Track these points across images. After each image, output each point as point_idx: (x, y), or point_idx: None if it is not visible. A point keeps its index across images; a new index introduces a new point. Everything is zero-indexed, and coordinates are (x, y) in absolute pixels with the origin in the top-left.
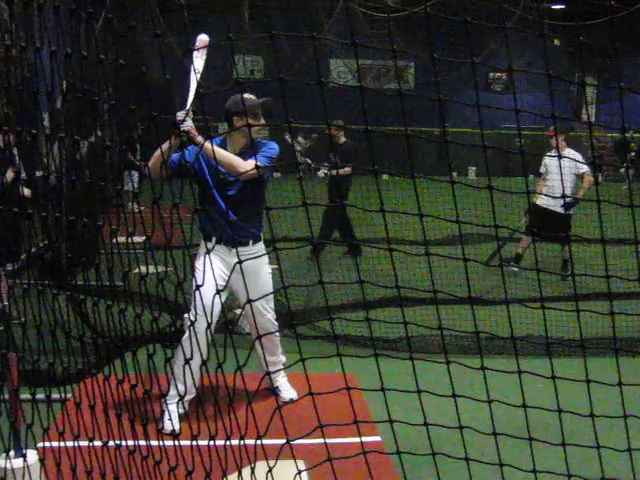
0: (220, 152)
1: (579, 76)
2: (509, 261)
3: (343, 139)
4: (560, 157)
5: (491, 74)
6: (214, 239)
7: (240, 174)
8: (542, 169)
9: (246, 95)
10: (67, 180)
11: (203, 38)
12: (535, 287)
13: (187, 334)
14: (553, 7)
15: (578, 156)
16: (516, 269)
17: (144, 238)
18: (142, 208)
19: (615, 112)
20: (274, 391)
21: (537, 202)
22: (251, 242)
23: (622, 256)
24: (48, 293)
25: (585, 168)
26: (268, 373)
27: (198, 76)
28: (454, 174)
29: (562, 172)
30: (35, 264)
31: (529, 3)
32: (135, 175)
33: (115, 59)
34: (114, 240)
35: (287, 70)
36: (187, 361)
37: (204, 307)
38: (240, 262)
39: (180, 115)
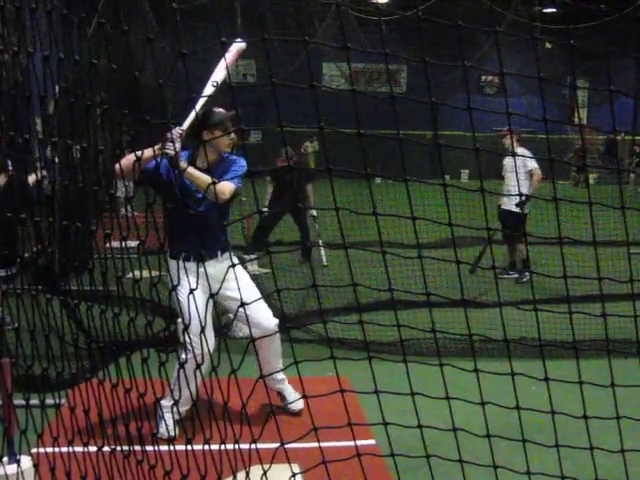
0: (203, 177)
1: (571, 79)
2: (506, 270)
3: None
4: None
5: (483, 77)
6: (183, 255)
7: (220, 200)
8: (503, 172)
9: (215, 109)
10: (60, 184)
11: (241, 46)
12: (528, 289)
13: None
14: (545, 10)
15: (528, 154)
16: (516, 276)
17: (137, 243)
18: (135, 213)
19: (606, 114)
20: (282, 399)
21: (500, 205)
22: (219, 253)
23: (613, 258)
24: (41, 298)
25: (534, 165)
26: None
27: (212, 91)
28: (447, 177)
29: (516, 171)
30: (29, 269)
31: (520, 6)
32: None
33: (108, 63)
34: (107, 245)
35: (280, 74)
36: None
37: (197, 317)
38: (233, 265)
39: (174, 134)
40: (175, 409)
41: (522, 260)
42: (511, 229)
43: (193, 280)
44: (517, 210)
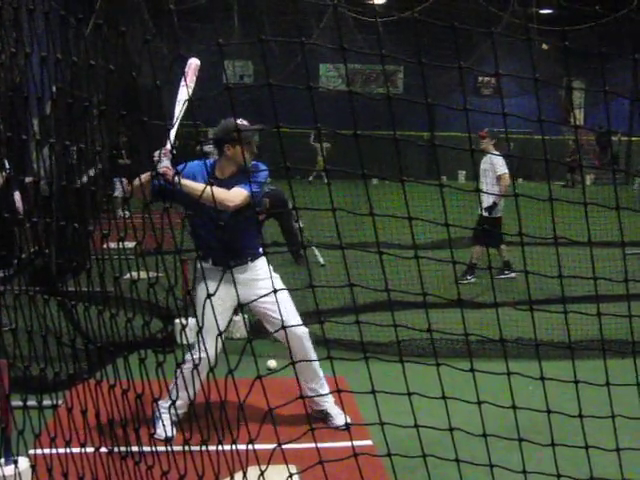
0: (197, 187)
1: (567, 80)
2: (502, 270)
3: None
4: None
5: (480, 78)
6: (210, 261)
7: (230, 208)
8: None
9: (239, 121)
10: (58, 185)
11: (195, 62)
12: (525, 290)
13: (187, 366)
14: (541, 12)
15: (499, 159)
16: (513, 275)
17: (135, 244)
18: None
19: (603, 115)
20: (324, 418)
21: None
22: (249, 260)
23: (610, 258)
24: (39, 299)
25: (503, 169)
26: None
27: (182, 108)
28: (444, 178)
29: (484, 175)
30: (26, 270)
31: (517, 8)
32: (124, 181)
33: (105, 64)
34: (105, 245)
35: (277, 75)
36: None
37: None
38: (229, 267)
39: (156, 155)
40: (173, 410)
41: (504, 262)
42: (485, 233)
43: (215, 285)
44: (486, 214)
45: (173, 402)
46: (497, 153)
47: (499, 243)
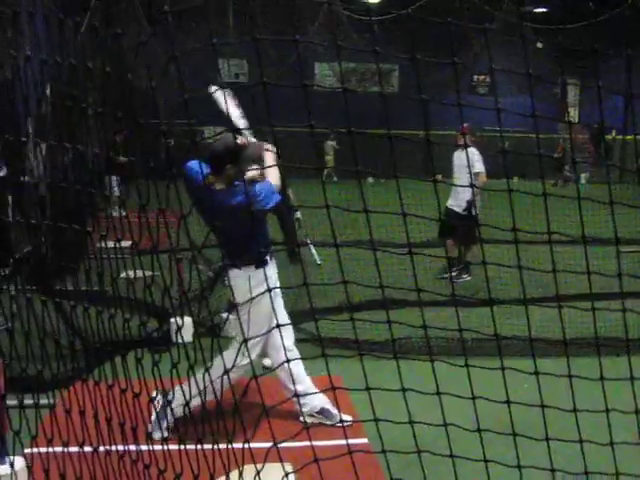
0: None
1: (561, 78)
2: (460, 273)
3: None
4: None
5: (475, 76)
6: (269, 260)
7: None
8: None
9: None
10: (54, 186)
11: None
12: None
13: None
14: (536, 10)
15: (477, 155)
16: (468, 278)
17: (130, 243)
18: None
19: (598, 113)
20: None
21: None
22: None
23: (604, 257)
24: (36, 299)
25: (480, 167)
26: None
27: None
28: (439, 176)
29: (460, 171)
30: (22, 270)
31: (511, 6)
32: (116, 180)
33: (101, 66)
34: (101, 245)
35: (272, 74)
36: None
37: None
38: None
39: None
40: (170, 410)
41: (466, 262)
42: (460, 230)
43: (273, 283)
44: (464, 213)
45: (169, 402)
46: (474, 149)
47: (472, 242)
